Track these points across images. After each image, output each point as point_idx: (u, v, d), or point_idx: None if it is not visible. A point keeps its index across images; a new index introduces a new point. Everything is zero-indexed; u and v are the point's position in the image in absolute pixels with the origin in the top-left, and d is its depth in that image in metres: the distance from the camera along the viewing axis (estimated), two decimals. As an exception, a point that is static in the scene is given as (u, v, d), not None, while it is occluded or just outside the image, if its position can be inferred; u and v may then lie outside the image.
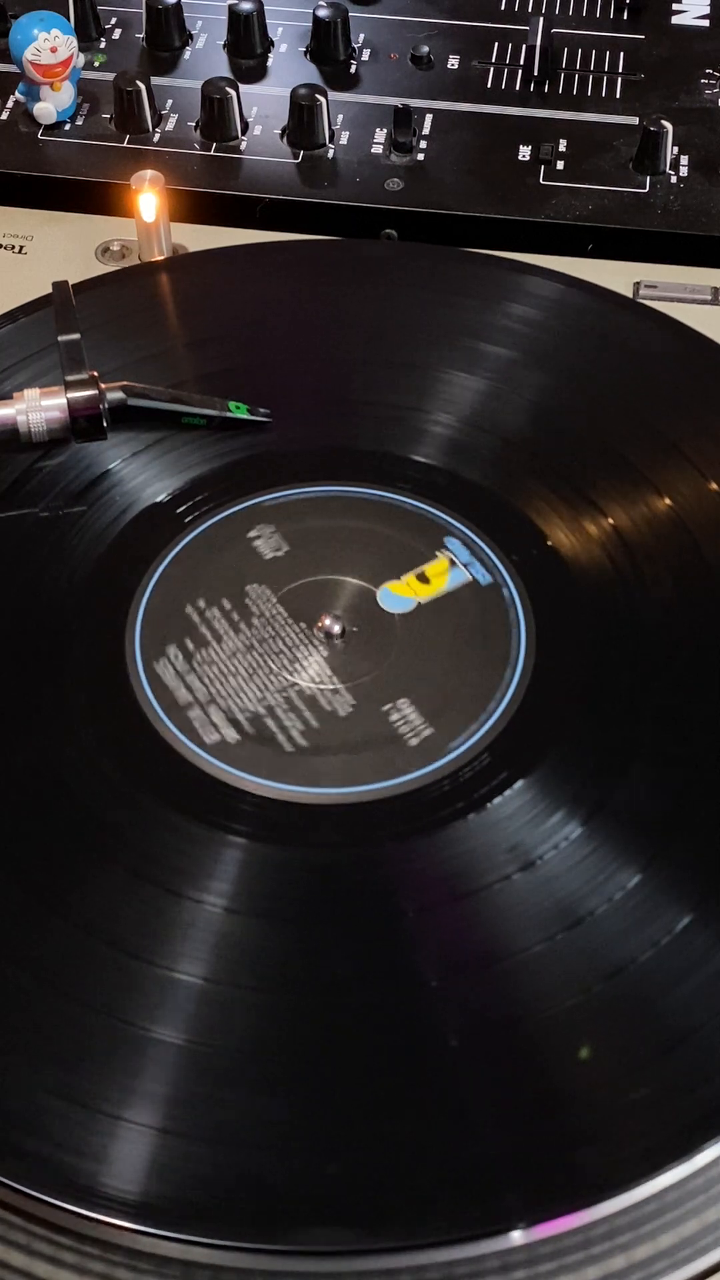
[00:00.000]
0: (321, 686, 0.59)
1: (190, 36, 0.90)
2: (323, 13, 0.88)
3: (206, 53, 0.89)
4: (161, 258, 0.77)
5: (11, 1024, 0.51)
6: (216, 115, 0.84)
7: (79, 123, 0.86)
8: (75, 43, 0.84)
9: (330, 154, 0.84)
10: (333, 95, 0.84)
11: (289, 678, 0.60)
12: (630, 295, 0.76)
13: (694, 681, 0.59)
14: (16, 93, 0.86)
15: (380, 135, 0.84)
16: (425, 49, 0.88)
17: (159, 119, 0.85)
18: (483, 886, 0.54)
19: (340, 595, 0.62)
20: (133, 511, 0.65)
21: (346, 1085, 0.50)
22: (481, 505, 0.65)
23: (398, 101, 0.84)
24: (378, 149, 0.84)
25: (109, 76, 0.86)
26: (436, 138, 0.84)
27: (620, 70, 0.88)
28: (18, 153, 0.84)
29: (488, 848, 0.55)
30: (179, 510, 0.65)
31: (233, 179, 0.83)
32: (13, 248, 0.79)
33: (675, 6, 0.92)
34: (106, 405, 0.65)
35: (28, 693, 0.60)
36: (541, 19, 0.87)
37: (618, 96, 0.86)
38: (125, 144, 0.84)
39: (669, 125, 0.81)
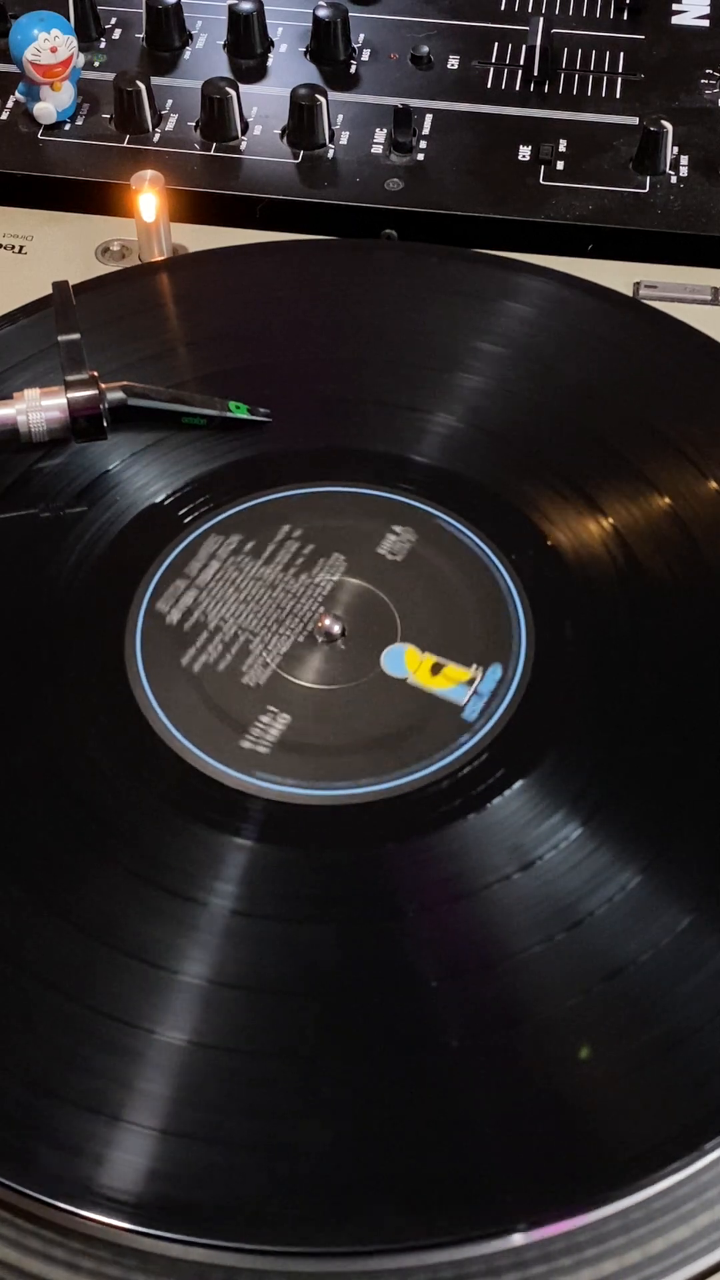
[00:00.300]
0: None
1: (190, 36, 0.90)
2: (323, 13, 0.88)
3: (206, 53, 0.89)
4: (162, 258, 0.77)
5: (11, 1024, 0.51)
6: (216, 115, 0.84)
7: (79, 123, 0.86)
8: (75, 43, 0.84)
9: (330, 154, 0.84)
10: (333, 95, 0.84)
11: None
12: (630, 295, 0.75)
13: (694, 681, 0.59)
14: (16, 93, 0.86)
15: (380, 135, 0.84)
16: (425, 49, 0.88)
17: (159, 119, 0.85)
18: (483, 886, 0.54)
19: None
20: (133, 511, 0.65)
21: (346, 1086, 0.50)
22: (481, 505, 0.65)
23: (398, 101, 0.84)
24: (378, 149, 0.84)
25: (109, 76, 0.86)
26: (436, 138, 0.84)
27: (620, 70, 0.88)
28: (18, 153, 0.84)
29: (487, 848, 0.55)
30: (179, 510, 0.65)
31: (233, 179, 0.83)
32: (13, 248, 0.79)
33: (675, 6, 0.92)
34: (107, 405, 0.65)
35: (28, 693, 0.60)
36: (541, 19, 0.87)
37: (618, 96, 0.86)
38: (125, 144, 0.84)
39: (669, 125, 0.81)
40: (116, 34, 0.91)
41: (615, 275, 0.76)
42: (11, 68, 0.85)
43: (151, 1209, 0.47)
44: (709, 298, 0.76)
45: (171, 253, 0.78)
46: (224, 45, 0.89)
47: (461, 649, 0.60)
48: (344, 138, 0.84)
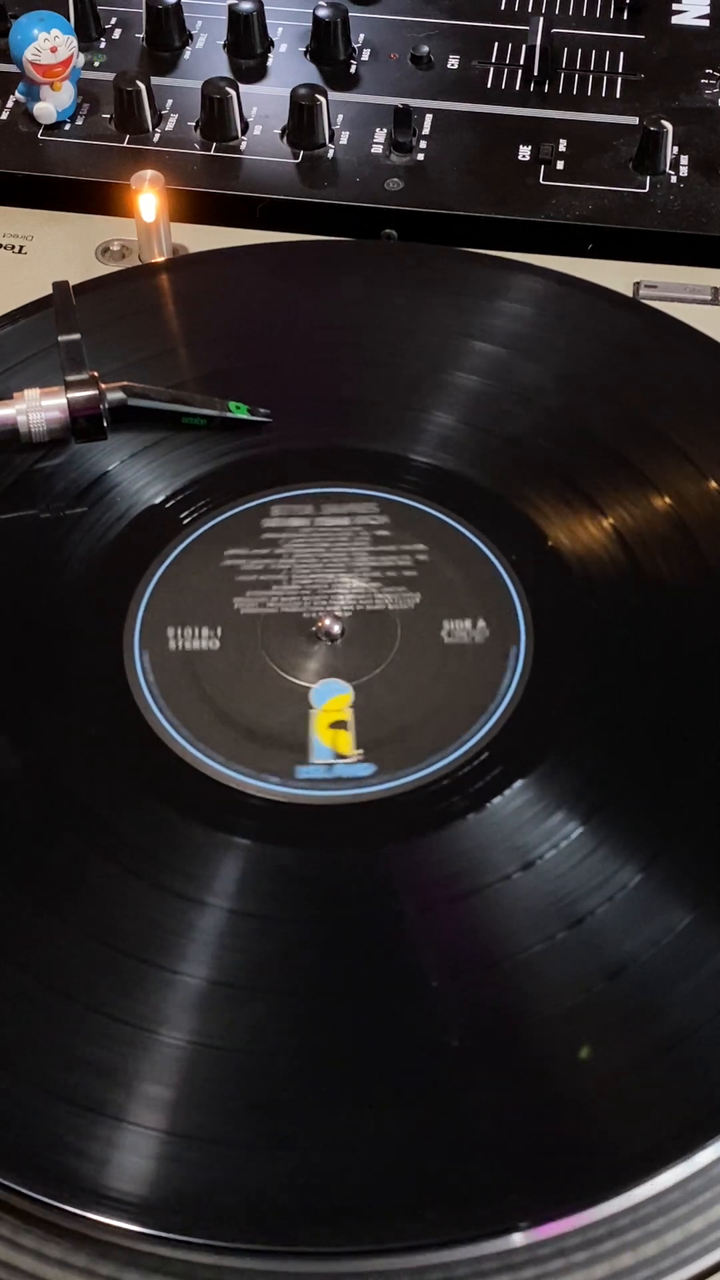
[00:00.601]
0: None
1: (190, 36, 0.90)
2: (323, 13, 0.88)
3: (206, 53, 0.89)
4: (162, 258, 0.77)
5: (12, 1024, 0.51)
6: (216, 115, 0.84)
7: (79, 123, 0.86)
8: (75, 43, 0.84)
9: (330, 154, 0.84)
10: (333, 95, 0.84)
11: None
12: (630, 295, 0.75)
13: (694, 681, 0.59)
14: (16, 93, 0.86)
15: (380, 135, 0.84)
16: (425, 49, 0.88)
17: (159, 119, 0.85)
18: (483, 886, 0.54)
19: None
20: (132, 512, 0.65)
21: (347, 1086, 0.50)
22: (481, 505, 0.65)
23: (398, 101, 0.84)
24: (378, 149, 0.84)
25: (109, 76, 0.86)
26: (436, 138, 0.84)
27: (620, 70, 0.88)
28: (18, 153, 0.84)
29: (487, 847, 0.55)
30: (178, 511, 0.65)
31: (233, 179, 0.83)
32: (13, 248, 0.79)
33: (675, 6, 0.92)
34: (107, 405, 0.65)
35: (28, 693, 0.60)
36: (541, 19, 0.87)
37: (618, 96, 0.86)
38: (125, 144, 0.84)
39: (669, 125, 0.81)
40: (116, 34, 0.91)
41: (615, 275, 0.76)
42: (11, 68, 0.85)
43: (151, 1209, 0.47)
44: (709, 298, 0.76)
45: (171, 253, 0.78)
46: (224, 45, 0.89)
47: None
48: (344, 138, 0.84)
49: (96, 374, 0.65)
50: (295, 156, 0.84)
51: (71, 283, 0.68)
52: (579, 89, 0.87)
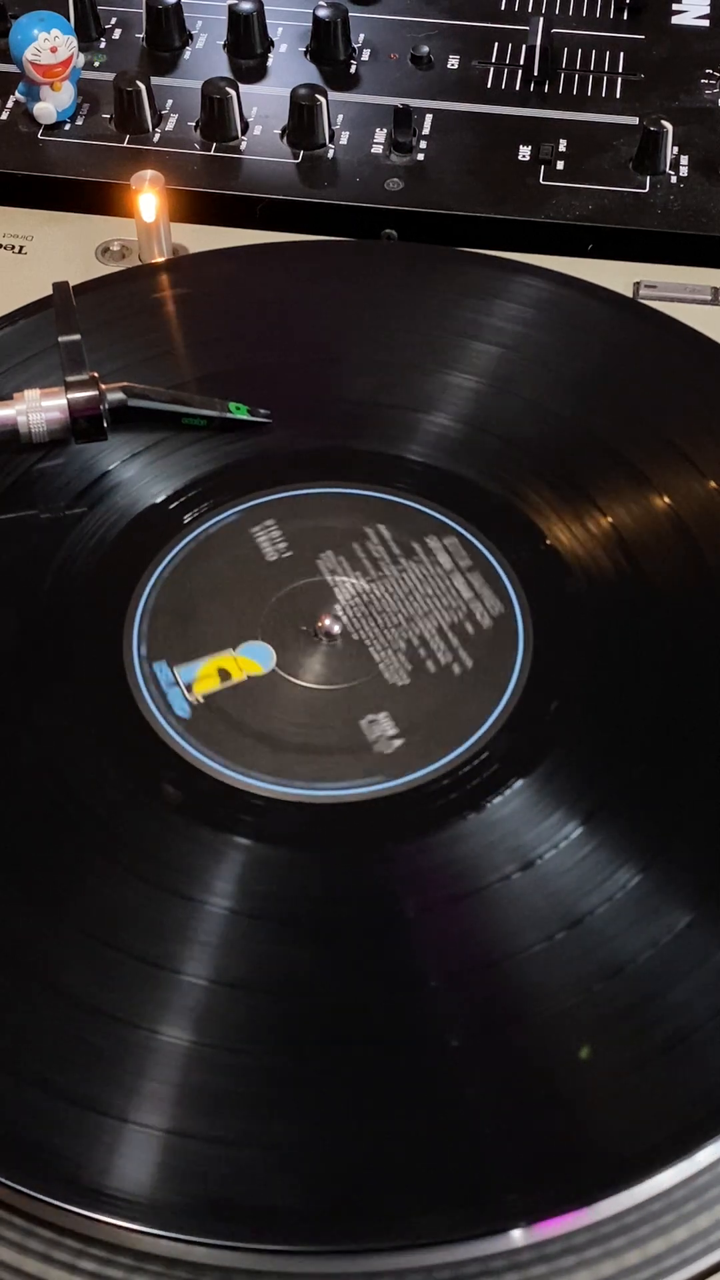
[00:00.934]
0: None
1: (190, 36, 0.90)
2: (323, 13, 0.88)
3: (206, 53, 0.89)
4: (162, 258, 0.77)
5: (12, 1024, 0.51)
6: (216, 115, 0.84)
7: (79, 123, 0.86)
8: (75, 43, 0.84)
9: (330, 154, 0.84)
10: (333, 95, 0.84)
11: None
12: (630, 295, 0.76)
13: (693, 681, 0.59)
14: (16, 93, 0.86)
15: (380, 135, 0.84)
16: (425, 49, 0.88)
17: (159, 119, 0.85)
18: (482, 886, 0.54)
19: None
20: (133, 512, 0.65)
21: (347, 1086, 0.50)
22: (481, 505, 0.65)
23: (398, 101, 0.84)
24: (378, 149, 0.84)
25: (109, 76, 0.86)
26: (436, 138, 0.84)
27: (620, 70, 0.88)
28: (18, 153, 0.84)
29: (487, 847, 0.55)
30: (179, 510, 0.65)
31: (233, 179, 0.83)
32: (13, 248, 0.79)
33: (675, 6, 0.92)
34: (107, 406, 0.65)
35: (28, 693, 0.60)
36: (541, 19, 0.87)
37: (618, 96, 0.86)
38: (125, 144, 0.84)
39: (669, 125, 0.81)
40: (116, 34, 0.91)
41: (615, 275, 0.76)
42: (11, 68, 0.85)
43: (152, 1208, 0.47)
44: (709, 298, 0.76)
45: (171, 253, 0.78)
46: (224, 45, 0.89)
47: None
48: (344, 138, 0.84)
49: (96, 374, 0.65)
50: (295, 156, 0.84)
51: (71, 283, 0.68)
52: (579, 89, 0.87)
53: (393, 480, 0.66)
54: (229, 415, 0.67)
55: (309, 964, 0.52)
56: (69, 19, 0.86)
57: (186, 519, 0.64)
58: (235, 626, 0.61)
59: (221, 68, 0.88)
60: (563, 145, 0.84)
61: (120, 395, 0.66)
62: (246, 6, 0.88)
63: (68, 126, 0.85)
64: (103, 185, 0.82)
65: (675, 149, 0.82)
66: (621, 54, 0.89)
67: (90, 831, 0.56)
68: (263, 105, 0.86)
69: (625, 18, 0.91)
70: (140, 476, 0.66)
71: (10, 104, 0.87)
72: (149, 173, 0.76)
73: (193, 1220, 0.47)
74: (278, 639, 0.61)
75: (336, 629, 0.61)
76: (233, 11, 0.88)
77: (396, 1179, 0.48)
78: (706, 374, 0.70)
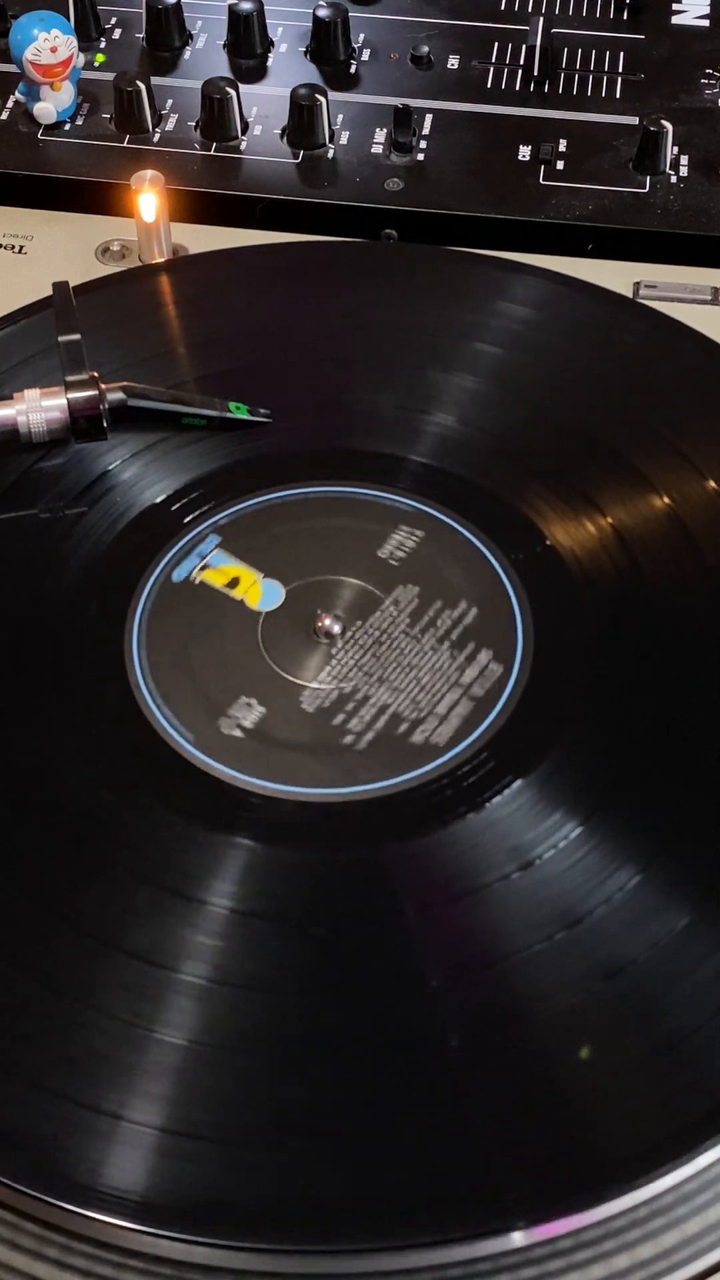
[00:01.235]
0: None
1: (190, 36, 0.90)
2: (323, 13, 0.88)
3: (206, 53, 0.89)
4: (162, 258, 0.77)
5: (11, 1024, 0.51)
6: (216, 115, 0.84)
7: (79, 123, 0.86)
8: (75, 43, 0.84)
9: (330, 154, 0.84)
10: (333, 95, 0.84)
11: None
12: (630, 295, 0.76)
13: (693, 681, 0.59)
14: (16, 93, 0.86)
15: (380, 135, 0.84)
16: (425, 49, 0.88)
17: (159, 119, 0.85)
18: (482, 886, 0.54)
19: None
20: (133, 512, 0.65)
21: (346, 1086, 0.50)
22: (481, 505, 0.65)
23: (398, 101, 0.84)
24: (378, 149, 0.84)
25: (109, 76, 0.86)
26: (436, 138, 0.84)
27: (620, 70, 0.88)
28: (18, 153, 0.84)
29: (487, 847, 0.55)
30: (179, 510, 0.65)
31: (233, 179, 0.83)
32: (13, 248, 0.79)
33: (675, 6, 0.92)
34: (107, 406, 0.65)
35: (28, 693, 0.60)
36: (541, 19, 0.87)
37: (618, 96, 0.86)
38: (125, 144, 0.84)
39: (669, 125, 0.81)
40: (116, 34, 0.91)
41: (615, 275, 0.76)
42: (11, 68, 0.85)
43: (151, 1208, 0.47)
44: (709, 298, 0.76)
45: (171, 253, 0.78)
46: (224, 45, 0.89)
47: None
48: (344, 138, 0.84)
49: (96, 374, 0.65)
50: (295, 156, 0.84)
51: (71, 283, 0.68)
52: (579, 89, 0.87)
53: (392, 480, 0.66)
54: (229, 415, 0.67)
55: (309, 964, 0.52)
56: (69, 19, 0.86)
57: (186, 518, 0.64)
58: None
59: (221, 68, 0.88)
60: (563, 145, 0.84)
61: (120, 395, 0.66)
62: (246, 6, 0.88)
63: (68, 126, 0.85)
64: (103, 185, 0.82)
65: (675, 149, 0.82)
66: (621, 54, 0.89)
67: (90, 831, 0.56)
68: (263, 105, 0.86)
69: (625, 18, 0.91)
70: (140, 476, 0.66)
71: (10, 104, 0.87)
72: (149, 173, 0.76)
73: (192, 1220, 0.47)
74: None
75: (337, 629, 0.61)
76: (233, 11, 0.88)
77: (395, 1179, 0.48)
78: (706, 374, 0.70)
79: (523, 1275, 0.48)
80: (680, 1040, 0.50)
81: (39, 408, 0.65)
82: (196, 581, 0.59)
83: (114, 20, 0.91)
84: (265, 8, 0.89)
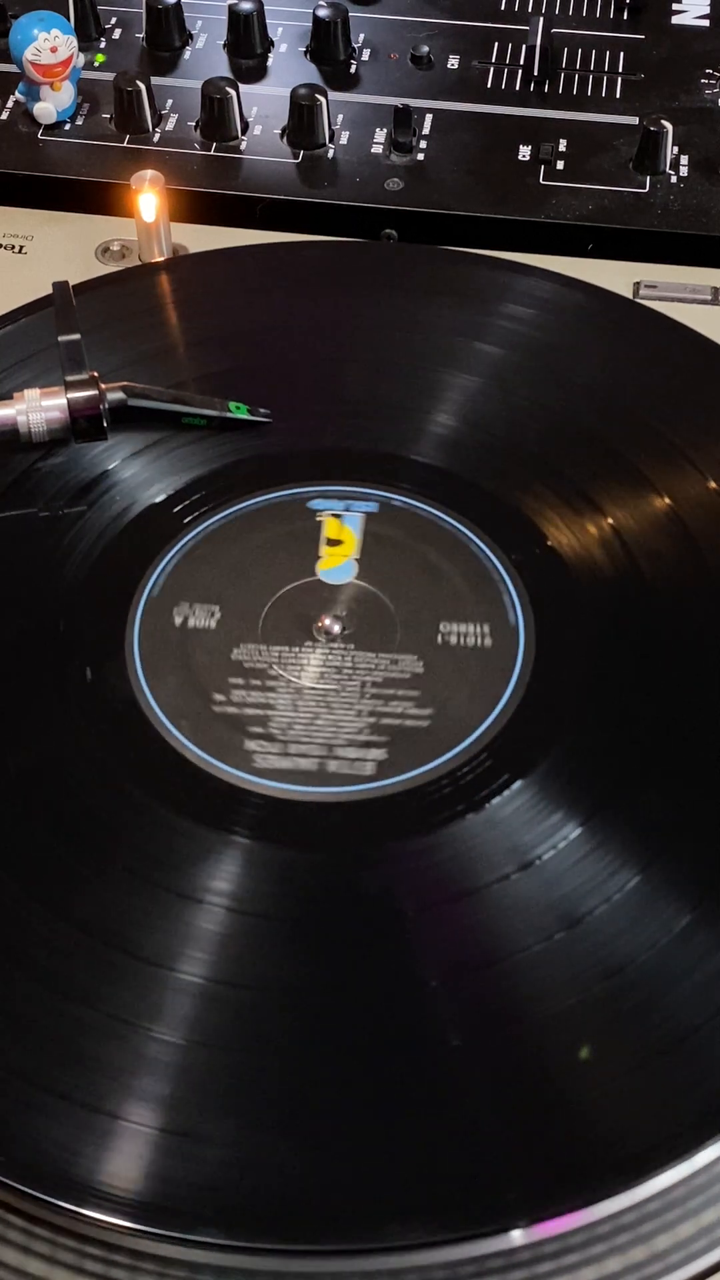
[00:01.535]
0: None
1: (190, 36, 0.90)
2: (323, 13, 0.88)
3: (206, 53, 0.89)
4: (162, 258, 0.77)
5: (11, 1024, 0.51)
6: (216, 115, 0.84)
7: (79, 123, 0.86)
8: (75, 43, 0.84)
9: (330, 154, 0.84)
10: (333, 95, 0.84)
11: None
12: (630, 295, 0.76)
13: (694, 681, 0.59)
14: (16, 93, 0.86)
15: (380, 135, 0.84)
16: (425, 49, 0.88)
17: (159, 119, 0.85)
18: (482, 886, 0.54)
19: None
20: (133, 511, 0.65)
21: (346, 1086, 0.50)
22: (481, 505, 0.65)
23: (398, 101, 0.84)
24: (378, 149, 0.84)
25: (109, 76, 0.86)
26: (436, 138, 0.84)
27: (620, 70, 0.88)
28: (18, 153, 0.84)
29: (487, 847, 0.55)
30: (179, 510, 0.65)
31: (233, 179, 0.83)
32: (13, 248, 0.79)
33: (675, 6, 0.92)
34: (107, 405, 0.65)
35: (28, 693, 0.60)
36: (541, 19, 0.87)
37: (618, 96, 0.86)
38: (125, 144, 0.84)
39: (669, 125, 0.81)
40: (116, 34, 0.91)
41: (615, 275, 0.76)
42: (11, 68, 0.85)
43: (151, 1208, 0.47)
44: (709, 298, 0.76)
45: (171, 253, 0.78)
46: (224, 45, 0.89)
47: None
48: (344, 138, 0.84)
49: (96, 374, 0.65)
50: (295, 156, 0.84)
51: (71, 283, 0.68)
52: (579, 89, 0.87)
53: (392, 480, 0.66)
54: (229, 415, 0.67)
55: (309, 964, 0.52)
56: (69, 19, 0.86)
57: (186, 518, 0.64)
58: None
59: (221, 68, 0.88)
60: (563, 145, 0.84)
61: (120, 395, 0.66)
62: (246, 6, 0.88)
63: (68, 126, 0.85)
64: (103, 185, 0.82)
65: (675, 149, 0.82)
66: (621, 54, 0.89)
67: (90, 831, 0.56)
68: (263, 105, 0.86)
69: (625, 18, 0.91)
70: (140, 476, 0.66)
71: (10, 104, 0.87)
72: (149, 173, 0.76)
73: (192, 1220, 0.47)
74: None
75: (337, 629, 0.61)
76: (233, 11, 0.88)
77: (396, 1179, 0.48)
78: (706, 374, 0.70)
79: (522, 1274, 0.48)
80: (680, 1040, 0.50)
81: (39, 407, 0.65)
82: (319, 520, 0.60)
83: (114, 20, 0.91)
84: (265, 8, 0.89)
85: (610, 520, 0.64)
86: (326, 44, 0.88)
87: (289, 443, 0.67)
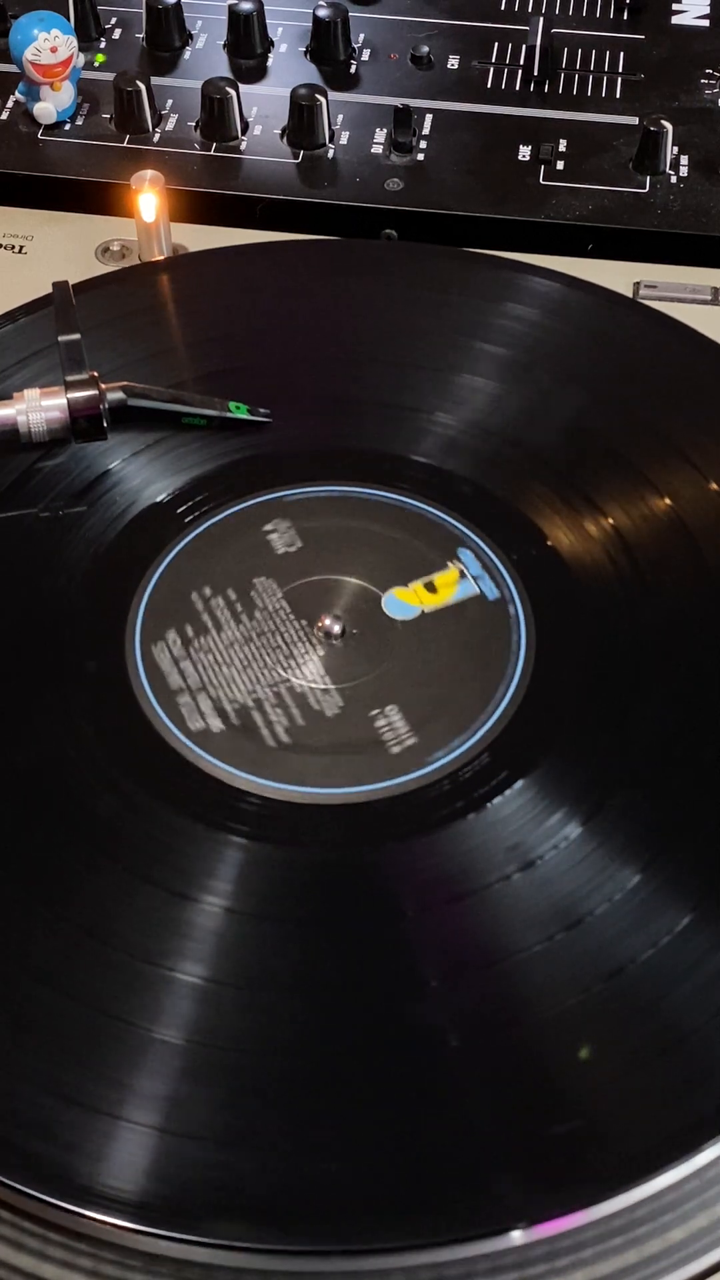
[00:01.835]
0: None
1: (190, 36, 0.90)
2: (323, 13, 0.88)
3: (206, 53, 0.89)
4: (162, 258, 0.77)
5: (11, 1024, 0.51)
6: (216, 115, 0.84)
7: (79, 123, 0.86)
8: (75, 43, 0.84)
9: (330, 154, 0.84)
10: (333, 95, 0.84)
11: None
12: (630, 295, 0.76)
13: (694, 681, 0.59)
14: (16, 93, 0.86)
15: (380, 135, 0.84)
16: (425, 49, 0.88)
17: (159, 119, 0.85)
18: (482, 886, 0.54)
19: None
20: (133, 511, 0.65)
21: (346, 1086, 0.50)
22: (481, 505, 0.65)
23: (398, 101, 0.84)
24: (378, 149, 0.84)
25: (109, 76, 0.86)
26: (436, 138, 0.84)
27: (620, 70, 0.88)
28: (18, 153, 0.84)
29: (487, 847, 0.55)
30: (179, 510, 0.65)
31: (233, 179, 0.83)
32: (13, 248, 0.79)
33: (675, 6, 0.92)
34: (107, 405, 0.65)
35: (28, 693, 0.60)
36: (541, 19, 0.88)
37: (618, 96, 0.86)
38: (125, 144, 0.84)
39: (669, 125, 0.81)
40: (116, 34, 0.91)
41: (615, 275, 0.76)
42: (11, 68, 0.85)
43: (151, 1208, 0.47)
44: (709, 298, 0.76)
45: (171, 253, 0.78)
46: (224, 45, 0.89)
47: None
48: (344, 138, 0.84)
49: (96, 374, 0.65)
50: (295, 156, 0.84)
51: (71, 283, 0.68)
52: (579, 89, 0.87)
53: (392, 480, 0.66)
54: (229, 415, 0.67)
55: (308, 964, 0.52)
56: (69, 19, 0.86)
57: (186, 518, 0.64)
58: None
59: (221, 68, 0.88)
60: (563, 145, 0.84)
61: (120, 394, 0.66)
62: (246, 6, 0.88)
63: (68, 126, 0.85)
64: (103, 185, 0.82)
65: (675, 149, 0.82)
66: (621, 54, 0.89)
67: (90, 831, 0.56)
68: (263, 105, 0.86)
69: (625, 18, 0.91)
70: (140, 476, 0.66)
71: (10, 104, 0.87)
72: (149, 173, 0.76)
73: (191, 1220, 0.47)
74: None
75: (337, 629, 0.61)
76: (233, 11, 0.88)
77: (395, 1179, 0.48)
78: (706, 374, 0.70)
79: (522, 1275, 0.48)
80: (680, 1040, 0.50)
81: (39, 407, 0.65)
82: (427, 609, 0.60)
83: (114, 20, 0.91)
84: (265, 8, 0.89)
85: (610, 520, 0.64)
86: (326, 44, 0.88)
87: (289, 443, 0.67)
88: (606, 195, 0.81)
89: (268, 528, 0.64)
